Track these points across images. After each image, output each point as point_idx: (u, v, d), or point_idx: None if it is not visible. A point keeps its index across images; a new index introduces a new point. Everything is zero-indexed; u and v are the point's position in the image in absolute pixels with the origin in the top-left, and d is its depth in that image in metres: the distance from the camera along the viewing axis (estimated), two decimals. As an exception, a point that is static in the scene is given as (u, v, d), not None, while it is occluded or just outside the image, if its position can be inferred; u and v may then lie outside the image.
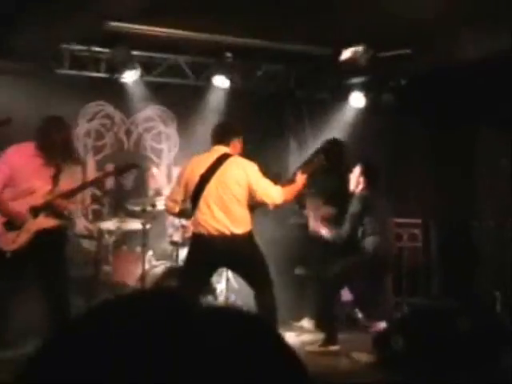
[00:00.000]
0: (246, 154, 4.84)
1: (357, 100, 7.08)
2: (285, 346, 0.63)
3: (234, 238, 4.53)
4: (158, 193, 6.15)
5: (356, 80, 6.98)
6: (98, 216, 6.55)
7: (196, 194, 4.56)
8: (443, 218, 7.04)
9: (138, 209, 5.94)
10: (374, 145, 6.59)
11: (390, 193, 7.09)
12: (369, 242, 5.35)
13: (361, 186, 5.48)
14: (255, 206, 4.66)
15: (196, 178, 4.56)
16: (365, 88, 7.00)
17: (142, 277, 5.75)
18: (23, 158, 4.29)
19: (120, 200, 6.21)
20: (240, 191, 4.52)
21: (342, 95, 7.10)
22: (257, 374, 0.58)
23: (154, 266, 6.07)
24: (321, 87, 7.05)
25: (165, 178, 6.94)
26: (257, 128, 6.86)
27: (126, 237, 6.19)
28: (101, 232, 6.14)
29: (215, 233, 4.50)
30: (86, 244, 6.47)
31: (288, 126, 7.28)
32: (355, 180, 5.50)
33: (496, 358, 4.60)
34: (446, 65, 6.20)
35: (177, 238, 6.09)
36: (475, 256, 6.92)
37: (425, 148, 7.40)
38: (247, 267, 4.66)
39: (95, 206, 6.54)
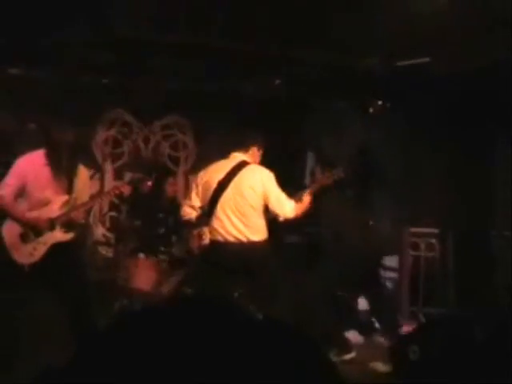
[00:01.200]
0: (264, 162, 4.84)
1: (375, 110, 7.10)
2: (331, 368, 0.65)
3: (250, 245, 4.53)
4: (175, 201, 6.20)
5: (374, 89, 6.96)
6: (115, 223, 6.58)
7: (213, 201, 4.57)
8: (460, 228, 7.00)
9: (155, 216, 5.98)
10: (391, 154, 6.58)
11: (407, 202, 7.23)
12: None
13: None
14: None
15: (213, 185, 4.57)
16: (383, 97, 7.02)
17: (159, 284, 5.77)
18: (35, 167, 4.28)
19: (137, 207, 6.23)
20: (256, 199, 4.54)
21: (361, 104, 7.15)
22: None
23: (170, 273, 6.07)
24: (339, 96, 7.07)
25: (182, 187, 6.97)
26: (275, 137, 6.74)
27: (142, 244, 6.17)
28: (118, 239, 6.18)
29: (232, 239, 4.51)
30: (104, 251, 6.50)
31: (306, 135, 7.26)
32: None
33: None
34: (463, 72, 6.19)
35: (193, 246, 6.09)
36: (492, 266, 6.84)
37: (442, 157, 7.34)
38: (263, 276, 4.64)
39: (112, 213, 6.56)
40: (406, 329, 5.73)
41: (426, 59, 5.89)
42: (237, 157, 4.67)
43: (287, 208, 4.56)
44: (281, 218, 4.62)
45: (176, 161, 7.06)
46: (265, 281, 4.68)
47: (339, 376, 0.66)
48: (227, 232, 4.54)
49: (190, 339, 0.61)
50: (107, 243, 6.40)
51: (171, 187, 6.50)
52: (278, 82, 6.71)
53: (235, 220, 4.52)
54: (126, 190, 4.54)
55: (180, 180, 7.02)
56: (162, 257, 5.96)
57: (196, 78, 6.71)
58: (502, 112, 6.47)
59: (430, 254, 6.83)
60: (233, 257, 4.52)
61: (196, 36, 5.79)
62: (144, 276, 5.97)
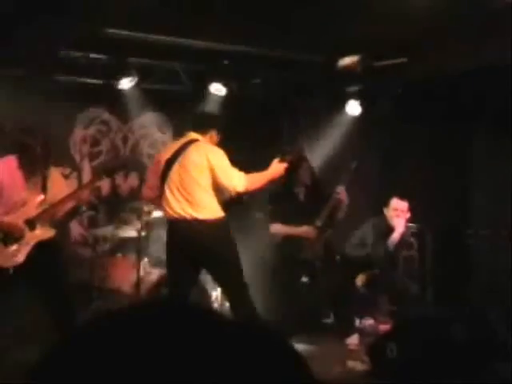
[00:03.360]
0: (240, 161, 4.78)
1: (353, 108, 7.11)
2: (302, 364, 0.63)
3: (196, 223, 4.45)
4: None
5: (352, 88, 6.98)
6: (93, 223, 6.55)
7: (162, 180, 4.55)
8: (438, 227, 7.04)
9: (133, 216, 5.93)
10: (368, 152, 6.61)
11: (384, 201, 7.19)
12: None
13: None
14: (222, 193, 4.59)
15: (162, 164, 4.57)
16: (361, 96, 7.03)
17: (137, 284, 5.75)
18: (8, 171, 4.29)
19: (116, 207, 6.22)
20: (201, 175, 4.47)
21: (338, 103, 7.14)
22: None
23: (149, 272, 6.07)
24: (317, 95, 7.08)
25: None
26: (252, 135, 6.91)
27: (121, 244, 6.19)
28: (96, 239, 6.15)
29: (177, 217, 4.47)
30: (81, 250, 6.47)
31: (283, 134, 7.27)
32: None
33: (490, 367, 4.61)
34: (440, 73, 6.23)
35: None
36: (470, 264, 6.92)
37: (420, 156, 7.40)
38: (216, 260, 4.53)
39: (91, 213, 6.53)
40: (384, 327, 5.79)
41: (403, 59, 5.91)
42: (189, 136, 4.64)
43: (235, 180, 4.44)
44: (232, 194, 4.51)
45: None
46: (218, 269, 4.60)
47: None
48: (172, 209, 4.50)
49: (162, 344, 0.59)
50: (85, 243, 6.37)
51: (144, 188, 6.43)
52: (256, 80, 6.71)
53: (180, 197, 4.48)
54: (104, 187, 4.51)
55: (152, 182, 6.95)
56: (140, 256, 5.92)
57: (174, 78, 6.70)
58: (478, 112, 6.52)
59: (408, 254, 6.85)
60: (180, 235, 4.49)
61: (174, 36, 5.79)
62: (122, 276, 5.95)
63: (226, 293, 4.72)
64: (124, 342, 0.60)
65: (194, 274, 4.74)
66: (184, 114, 6.67)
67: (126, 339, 0.60)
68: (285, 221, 5.62)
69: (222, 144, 4.76)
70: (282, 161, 4.63)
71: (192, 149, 4.52)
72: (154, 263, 6.29)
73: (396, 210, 5.72)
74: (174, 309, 0.65)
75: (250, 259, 5.48)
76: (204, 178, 4.48)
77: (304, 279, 5.65)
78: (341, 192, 5.37)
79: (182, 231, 4.47)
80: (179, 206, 4.48)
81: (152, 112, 6.94)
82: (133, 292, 5.76)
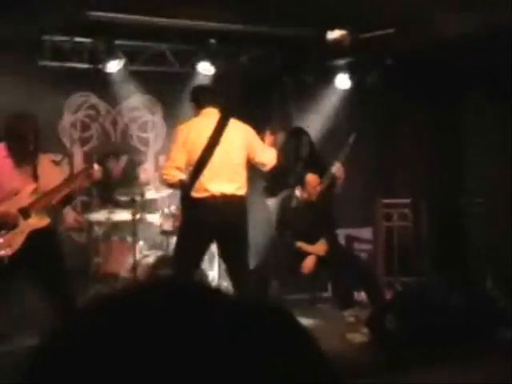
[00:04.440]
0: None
1: (342, 82, 7.09)
2: (310, 341, 0.62)
3: (236, 199, 4.64)
4: (147, 184, 6.18)
5: (341, 62, 6.96)
6: (86, 208, 6.54)
7: (203, 159, 4.55)
8: (433, 197, 7.06)
9: (127, 199, 5.94)
10: (360, 126, 6.52)
11: (379, 173, 7.33)
12: None
13: None
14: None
15: (202, 142, 4.55)
16: (350, 69, 7.01)
17: (134, 267, 5.75)
18: None
19: (109, 190, 6.22)
20: (240, 153, 4.65)
21: (328, 77, 7.11)
22: (277, 366, 0.57)
23: (146, 255, 6.08)
24: (306, 70, 7.04)
25: (152, 168, 6.95)
26: (243, 113, 6.71)
27: (115, 227, 6.19)
28: (90, 224, 6.16)
29: (217, 195, 4.54)
30: (76, 236, 6.48)
31: (274, 110, 7.19)
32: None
33: (488, 333, 4.66)
34: (429, 42, 6.19)
35: (167, 227, 6.09)
36: (465, 233, 7.00)
37: (412, 127, 7.41)
38: (239, 236, 4.68)
39: (84, 198, 6.51)
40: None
41: (390, 30, 5.89)
42: (213, 112, 4.67)
43: (269, 156, 4.74)
44: (266, 168, 4.79)
45: (145, 142, 7.00)
46: (237, 238, 4.71)
47: (332, 368, 0.62)
48: (213, 189, 4.55)
49: (163, 327, 0.58)
50: (79, 228, 6.37)
51: (143, 173, 6.47)
52: (244, 58, 6.67)
53: (221, 175, 4.55)
54: (97, 173, 4.50)
55: (150, 162, 6.98)
56: (135, 239, 5.88)
57: (162, 59, 6.64)
58: (470, 80, 6.55)
59: (403, 224, 6.91)
60: (217, 213, 4.53)
61: (160, 17, 5.74)
62: (118, 260, 5.95)
63: (233, 269, 4.80)
64: (133, 323, 0.58)
65: (204, 254, 4.86)
66: (173, 95, 6.73)
67: (134, 321, 0.58)
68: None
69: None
70: (272, 134, 4.84)
71: (231, 128, 4.63)
72: (150, 246, 6.31)
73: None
74: (186, 288, 0.63)
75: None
76: (242, 155, 4.67)
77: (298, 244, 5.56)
78: (337, 168, 5.29)
79: (220, 208, 4.53)
80: (220, 184, 4.57)
81: (141, 94, 6.90)
82: (130, 276, 5.75)
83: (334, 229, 5.62)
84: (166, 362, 0.54)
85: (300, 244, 5.39)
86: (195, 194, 4.60)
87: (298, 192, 5.43)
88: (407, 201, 6.91)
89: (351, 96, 7.19)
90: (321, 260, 5.35)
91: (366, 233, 7.00)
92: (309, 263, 5.36)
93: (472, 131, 6.98)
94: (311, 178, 5.34)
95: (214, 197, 4.54)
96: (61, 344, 0.59)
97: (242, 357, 0.56)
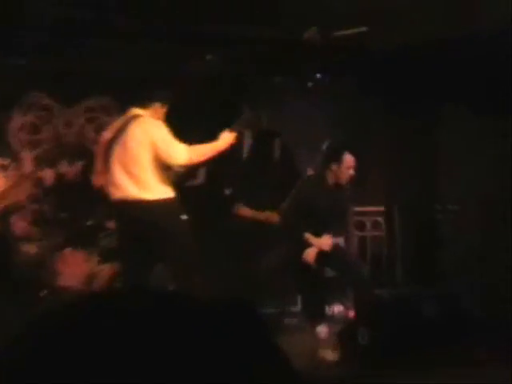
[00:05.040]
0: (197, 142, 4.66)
1: (314, 84, 6.97)
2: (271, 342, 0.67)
3: (142, 203, 4.39)
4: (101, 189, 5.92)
5: (313, 62, 6.79)
6: (38, 216, 6.18)
7: (105, 162, 4.50)
8: (406, 204, 7.01)
9: (83, 206, 5.88)
10: (333, 129, 6.51)
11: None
12: None
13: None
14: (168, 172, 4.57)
15: (105, 145, 4.53)
16: (322, 70, 6.90)
17: (89, 279, 5.63)
18: None
19: (62, 198, 6.00)
20: (143, 153, 4.40)
21: (300, 78, 7.02)
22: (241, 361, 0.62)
23: (101, 266, 5.95)
24: (277, 71, 6.92)
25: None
26: (209, 115, 6.64)
27: (69, 237, 6.01)
28: (42, 233, 5.96)
29: (124, 199, 4.42)
30: (26, 247, 6.17)
31: (243, 111, 7.10)
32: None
33: (463, 344, 4.62)
34: (403, 43, 6.17)
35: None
36: (439, 241, 6.89)
37: (385, 132, 7.34)
38: (165, 244, 4.47)
39: (34, 206, 6.14)
40: (352, 313, 5.67)
41: (363, 29, 5.82)
42: (132, 112, 4.58)
43: (177, 152, 4.38)
44: (174, 166, 4.49)
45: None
46: (168, 253, 4.54)
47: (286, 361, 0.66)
48: (120, 193, 4.44)
49: (120, 336, 0.62)
50: (29, 238, 6.08)
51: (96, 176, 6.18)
52: (209, 57, 6.48)
53: (125, 178, 4.41)
54: (48, 178, 4.30)
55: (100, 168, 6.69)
56: (91, 249, 5.85)
57: (122, 58, 6.37)
58: (447, 83, 6.44)
59: (376, 233, 6.85)
60: (129, 219, 4.46)
61: (126, 16, 5.63)
62: (73, 272, 5.81)
63: (178, 277, 4.63)
64: (75, 338, 0.61)
65: (147, 259, 4.65)
66: (133, 96, 6.44)
67: (78, 334, 0.62)
68: (251, 201, 5.58)
69: (176, 125, 4.65)
70: (231, 131, 4.58)
71: (133, 125, 4.47)
72: (106, 256, 6.06)
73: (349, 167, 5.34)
74: (131, 296, 0.69)
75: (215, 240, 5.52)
76: (146, 154, 4.43)
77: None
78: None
79: (129, 213, 4.45)
80: (125, 188, 4.43)
81: (98, 94, 6.61)
82: (85, 288, 5.67)
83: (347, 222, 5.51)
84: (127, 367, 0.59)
85: (308, 236, 5.15)
86: (112, 198, 4.58)
87: (329, 174, 5.21)
88: (380, 208, 6.87)
89: (323, 98, 7.08)
90: (322, 255, 5.15)
91: (340, 242, 6.58)
92: (311, 254, 5.12)
93: (447, 135, 6.89)
94: (349, 157, 5.17)
95: (122, 201, 4.46)
96: (18, 356, 0.62)
97: (202, 350, 0.61)
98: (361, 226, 6.82)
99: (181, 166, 4.49)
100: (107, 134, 4.56)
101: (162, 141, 4.40)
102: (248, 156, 6.54)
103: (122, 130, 4.47)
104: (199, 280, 4.43)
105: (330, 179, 5.19)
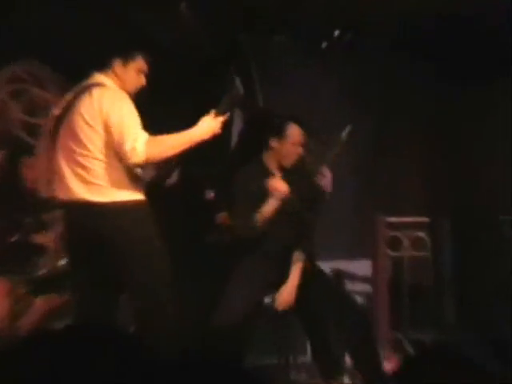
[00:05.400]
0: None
1: (330, 44, 6.95)
2: None
3: (92, 208, 4.38)
4: (35, 193, 5.74)
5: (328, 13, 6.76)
6: None
7: (49, 147, 4.57)
8: (459, 215, 7.05)
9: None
10: (354, 107, 6.61)
11: (379, 183, 7.31)
12: None
13: None
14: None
15: (51, 124, 4.57)
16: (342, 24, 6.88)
17: (12, 317, 5.59)
18: None
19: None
20: (93, 137, 4.38)
21: (304, 37, 6.95)
22: None
23: (32, 299, 5.79)
24: (277, 27, 6.94)
25: (44, 169, 6.23)
26: (185, 94, 6.72)
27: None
28: None
29: (68, 201, 4.51)
30: None
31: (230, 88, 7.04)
32: None
33: None
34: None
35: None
36: (505, 266, 6.83)
37: (428, 110, 7.36)
38: (126, 267, 4.49)
39: None
40: (387, 365, 5.61)
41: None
42: (92, 78, 4.56)
43: (130, 142, 4.25)
44: (127, 162, 4.34)
45: (34, 130, 6.46)
46: (115, 271, 4.54)
47: None
48: (67, 191, 4.45)
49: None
50: None
51: (29, 172, 6.05)
52: (184, 5, 6.44)
53: (71, 172, 4.42)
54: None
55: (42, 159, 6.34)
56: (16, 277, 5.74)
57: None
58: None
59: (417, 254, 6.79)
60: (77, 228, 4.50)
61: None
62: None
63: (143, 316, 4.62)
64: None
65: (100, 289, 4.65)
66: (78, 60, 6.09)
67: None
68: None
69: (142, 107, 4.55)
70: (216, 114, 4.51)
71: (85, 98, 4.41)
72: (38, 286, 5.93)
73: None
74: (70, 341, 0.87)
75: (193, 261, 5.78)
76: (98, 140, 4.37)
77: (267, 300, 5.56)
78: (324, 174, 5.21)
79: (76, 223, 4.50)
80: (69, 186, 4.47)
81: (25, 58, 6.48)
82: (9, 328, 5.56)
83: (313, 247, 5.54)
84: None
85: None
86: (52, 201, 4.71)
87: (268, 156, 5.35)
88: (423, 220, 6.84)
89: (342, 65, 7.02)
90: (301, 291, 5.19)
91: (362, 267, 6.84)
92: (287, 295, 5.17)
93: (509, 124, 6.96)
94: (295, 129, 5.27)
95: (69, 203, 4.51)
96: None
97: None
98: (395, 244, 6.80)
99: (134, 165, 4.35)
100: (56, 111, 4.55)
101: (117, 124, 4.30)
102: (237, 146, 6.64)
103: (71, 105, 4.45)
104: (171, 318, 4.46)
105: (271, 163, 5.27)
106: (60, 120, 4.49)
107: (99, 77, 4.52)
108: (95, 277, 4.54)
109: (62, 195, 4.51)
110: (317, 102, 6.96)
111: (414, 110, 7.41)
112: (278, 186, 5.02)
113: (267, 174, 5.20)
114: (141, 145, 4.22)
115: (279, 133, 5.21)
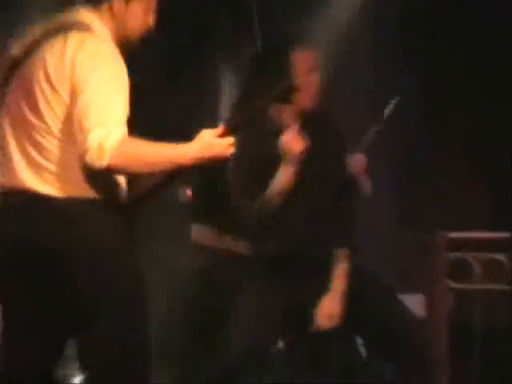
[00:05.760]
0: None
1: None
2: None
3: (37, 201, 3.87)
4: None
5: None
6: None
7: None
8: None
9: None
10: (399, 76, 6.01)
11: (431, 191, 6.99)
12: None
13: None
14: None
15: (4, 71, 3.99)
16: None
17: None
18: None
19: None
20: (55, 103, 3.68)
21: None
22: None
23: None
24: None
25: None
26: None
27: None
28: None
29: (9, 188, 3.95)
30: None
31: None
32: None
33: None
34: None
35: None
36: None
37: (484, 104, 6.67)
38: (64, 285, 3.83)
39: None
40: None
41: None
42: (75, 15, 3.85)
43: (95, 136, 3.51)
44: (83, 159, 3.62)
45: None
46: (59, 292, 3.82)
47: None
48: (8, 175, 3.93)
49: None
50: None
51: None
52: None
53: (17, 151, 3.83)
54: None
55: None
56: None
57: None
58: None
59: (491, 287, 6.07)
60: (13, 228, 3.90)
61: None
62: None
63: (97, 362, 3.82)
64: None
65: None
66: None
67: None
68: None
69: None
70: (225, 131, 3.65)
71: (56, 43, 3.72)
72: None
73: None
74: None
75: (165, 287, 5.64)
76: (58, 109, 3.69)
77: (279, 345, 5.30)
78: (358, 162, 4.89)
79: (14, 220, 3.93)
80: (15, 168, 3.89)
81: None
82: None
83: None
84: None
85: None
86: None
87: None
88: (504, 235, 6.12)
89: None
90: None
91: (413, 302, 6.20)
92: (332, 307, 4.76)
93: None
94: (305, 53, 4.79)
95: (7, 191, 3.91)
96: None
97: None
98: (461, 271, 6.05)
99: (89, 167, 3.62)
100: (14, 50, 3.96)
101: (87, 98, 3.63)
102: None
103: (35, 49, 3.83)
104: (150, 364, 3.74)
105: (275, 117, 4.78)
106: (16, 66, 3.81)
107: (85, 14, 3.80)
108: (33, 310, 3.81)
109: (3, 176, 4.01)
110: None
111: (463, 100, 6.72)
112: (293, 141, 4.54)
113: (277, 131, 4.65)
114: (110, 145, 3.45)
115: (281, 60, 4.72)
